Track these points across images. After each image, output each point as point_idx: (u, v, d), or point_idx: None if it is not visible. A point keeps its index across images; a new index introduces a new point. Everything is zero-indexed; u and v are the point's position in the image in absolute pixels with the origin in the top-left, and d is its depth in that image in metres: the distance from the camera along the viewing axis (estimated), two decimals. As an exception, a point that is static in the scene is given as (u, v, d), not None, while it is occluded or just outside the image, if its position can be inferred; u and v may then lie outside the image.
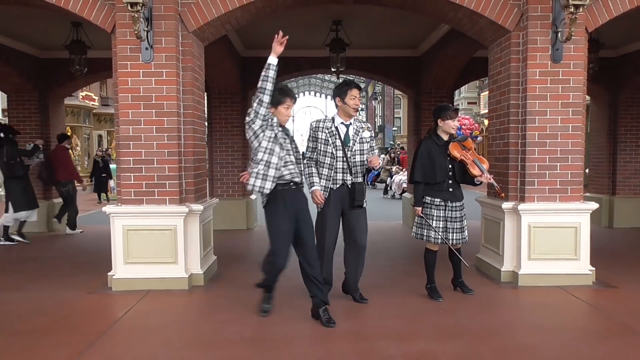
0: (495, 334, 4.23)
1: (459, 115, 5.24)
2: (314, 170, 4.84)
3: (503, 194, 5.34)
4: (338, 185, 4.81)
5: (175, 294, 5.36)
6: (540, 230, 5.54)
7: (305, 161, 4.82)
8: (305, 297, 5.27)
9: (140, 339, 4.13)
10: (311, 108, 70.45)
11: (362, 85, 36.74)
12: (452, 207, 5.01)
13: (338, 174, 4.78)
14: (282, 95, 4.40)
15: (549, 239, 5.54)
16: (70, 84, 10.12)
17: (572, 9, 4.88)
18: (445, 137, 5.07)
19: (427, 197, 5.00)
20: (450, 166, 5.01)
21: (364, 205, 4.89)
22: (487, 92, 7.49)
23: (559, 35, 5.33)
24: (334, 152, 4.75)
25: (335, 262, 5.08)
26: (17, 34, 8.63)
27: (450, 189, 5.01)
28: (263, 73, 4.30)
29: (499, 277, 5.78)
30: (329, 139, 4.78)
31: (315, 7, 6.82)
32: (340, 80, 4.94)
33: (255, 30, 8.37)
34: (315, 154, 4.87)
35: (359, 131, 4.85)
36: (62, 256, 7.56)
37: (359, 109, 4.93)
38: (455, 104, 15.91)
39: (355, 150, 4.81)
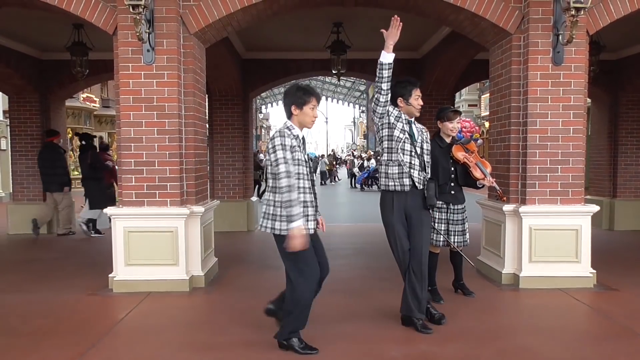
0: (496, 336, 4.22)
1: (460, 117, 5.23)
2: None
3: (505, 198, 5.34)
4: (411, 184, 4.27)
5: (176, 295, 5.36)
6: (541, 233, 5.54)
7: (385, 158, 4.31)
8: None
9: (141, 341, 4.13)
10: (312, 110, 70.44)
11: (363, 88, 36.79)
12: (454, 209, 5.02)
13: (412, 171, 4.26)
14: (306, 94, 3.91)
15: (550, 241, 5.54)
16: (71, 86, 10.14)
17: (573, 12, 4.88)
18: (448, 140, 5.08)
19: None
20: (452, 169, 5.02)
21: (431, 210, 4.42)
22: (488, 95, 7.51)
23: (560, 37, 5.34)
24: (404, 147, 4.25)
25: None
26: (19, 36, 8.65)
27: (453, 192, 5.02)
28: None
29: (500, 279, 5.78)
30: (405, 126, 4.26)
31: (316, 9, 6.83)
32: (400, 78, 4.37)
33: (256, 32, 8.39)
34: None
35: (422, 131, 4.43)
36: (63, 258, 7.56)
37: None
38: (455, 106, 15.91)
39: (424, 149, 4.37)
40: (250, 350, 3.92)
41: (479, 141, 22.73)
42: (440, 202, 4.98)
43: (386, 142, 4.34)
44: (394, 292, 5.40)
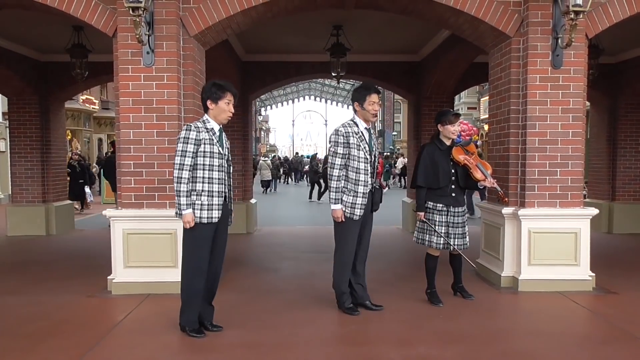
0: (495, 339, 4.22)
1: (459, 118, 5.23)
2: (342, 184, 4.65)
3: (506, 199, 5.34)
4: (368, 191, 4.67)
5: (175, 297, 5.31)
6: (541, 236, 5.54)
7: (336, 172, 4.62)
8: (306, 301, 5.28)
9: (139, 343, 4.13)
10: (311, 112, 70.62)
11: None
12: (454, 212, 5.01)
13: (369, 179, 4.64)
14: (220, 90, 4.12)
15: (549, 244, 5.54)
16: (71, 88, 10.13)
17: (572, 15, 4.90)
18: (447, 142, 5.07)
19: (429, 202, 5.00)
20: (453, 171, 5.02)
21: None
22: (487, 97, 7.51)
23: (559, 41, 5.35)
24: (367, 157, 4.61)
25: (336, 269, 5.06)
26: (19, 38, 8.65)
27: (453, 194, 5.01)
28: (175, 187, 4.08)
29: (499, 282, 5.78)
30: (360, 144, 4.60)
31: (316, 12, 6.83)
32: (359, 84, 4.79)
33: (256, 34, 8.40)
34: (345, 160, 4.63)
35: (373, 137, 4.80)
36: (62, 259, 7.55)
37: (377, 114, 4.82)
38: (455, 109, 15.95)
39: (375, 156, 4.74)
40: (249, 352, 3.92)
41: (478, 142, 22.76)
42: (441, 205, 4.98)
43: (348, 171, 4.67)
44: (393, 296, 5.41)
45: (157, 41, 5.36)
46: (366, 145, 4.62)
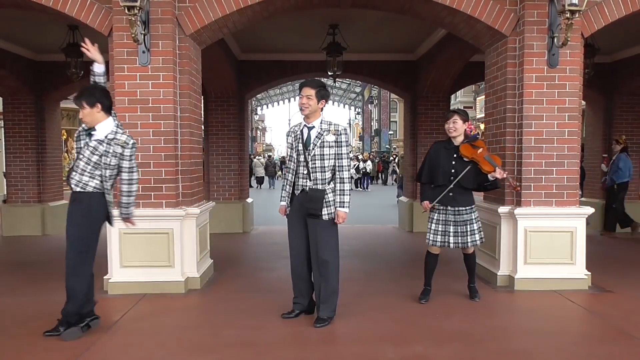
0: (491, 338, 4.23)
1: (455, 117, 5.16)
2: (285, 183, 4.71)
3: (519, 188, 5.28)
4: (299, 192, 4.55)
5: (172, 297, 5.35)
6: (537, 235, 5.56)
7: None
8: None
9: (136, 343, 4.12)
10: (307, 111, 70.48)
11: (358, 90, 36.82)
12: (453, 211, 4.99)
13: (300, 180, 4.53)
14: None
15: (545, 243, 5.55)
16: (66, 87, 10.06)
17: (568, 15, 4.92)
18: (455, 142, 5.06)
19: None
20: (453, 171, 4.97)
21: (323, 216, 4.41)
22: (483, 97, 7.52)
23: (555, 40, 5.37)
24: (296, 157, 4.55)
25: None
26: (13, 37, 8.61)
27: (451, 194, 4.95)
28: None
29: (495, 281, 5.79)
30: (293, 143, 4.60)
31: (312, 10, 6.83)
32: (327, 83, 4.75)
33: (252, 33, 8.39)
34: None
35: (322, 134, 4.46)
36: (58, 260, 7.47)
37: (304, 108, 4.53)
38: (451, 108, 15.97)
39: (315, 155, 4.45)
40: (246, 352, 3.92)
41: (478, 135, 22.79)
42: (438, 204, 4.99)
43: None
44: (390, 294, 5.42)
45: (152, 40, 5.34)
46: (300, 145, 4.59)
